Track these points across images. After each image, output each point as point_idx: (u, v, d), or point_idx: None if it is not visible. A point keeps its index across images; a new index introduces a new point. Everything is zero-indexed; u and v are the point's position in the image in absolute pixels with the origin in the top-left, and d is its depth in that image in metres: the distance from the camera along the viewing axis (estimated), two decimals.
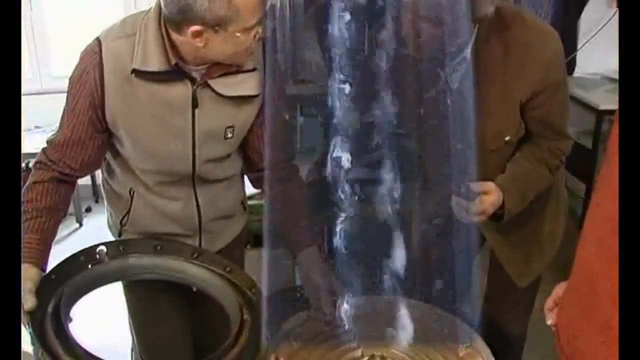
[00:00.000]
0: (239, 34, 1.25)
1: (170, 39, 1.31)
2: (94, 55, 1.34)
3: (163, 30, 1.31)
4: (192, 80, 1.36)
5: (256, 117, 1.47)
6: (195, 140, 1.41)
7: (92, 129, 1.38)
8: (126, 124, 1.37)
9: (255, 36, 1.29)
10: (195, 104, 1.38)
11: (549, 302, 1.16)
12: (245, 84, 1.41)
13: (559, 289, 1.13)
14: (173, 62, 1.31)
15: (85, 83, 1.34)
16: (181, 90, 1.36)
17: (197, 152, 1.43)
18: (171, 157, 1.43)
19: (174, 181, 1.48)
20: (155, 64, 1.31)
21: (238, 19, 1.23)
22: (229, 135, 1.44)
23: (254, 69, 1.41)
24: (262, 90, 1.43)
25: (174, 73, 1.33)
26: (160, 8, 1.30)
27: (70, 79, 1.37)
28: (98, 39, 1.36)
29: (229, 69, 1.38)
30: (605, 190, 0.89)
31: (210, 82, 1.37)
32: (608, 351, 0.86)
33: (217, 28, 1.23)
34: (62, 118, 1.41)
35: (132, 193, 1.50)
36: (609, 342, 0.86)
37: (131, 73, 1.32)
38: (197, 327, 1.71)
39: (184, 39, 1.27)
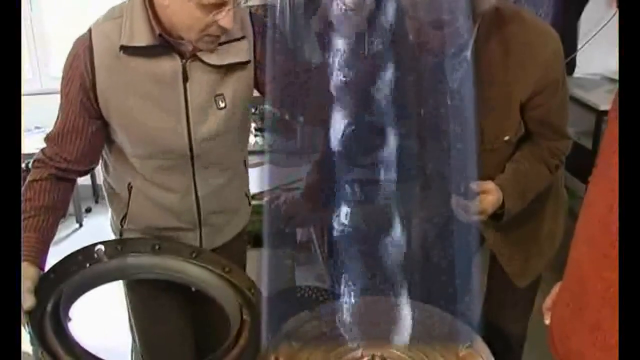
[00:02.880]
0: (193, 5, 1.25)
1: (154, 11, 1.32)
2: (84, 40, 1.36)
3: (147, 5, 1.32)
4: (181, 55, 1.37)
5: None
6: (189, 115, 1.41)
7: (85, 114, 1.38)
8: (118, 104, 1.38)
9: (216, 24, 1.28)
10: (185, 78, 1.38)
11: (548, 302, 1.16)
12: (234, 52, 1.41)
13: (558, 289, 1.13)
14: (157, 31, 1.32)
15: (77, 68, 1.35)
16: (170, 65, 1.37)
17: (192, 127, 1.42)
18: (166, 135, 1.42)
19: (172, 167, 1.46)
20: (142, 38, 1.32)
21: None
22: (221, 104, 1.43)
23: (242, 37, 1.42)
24: (253, 57, 1.44)
25: (162, 47, 1.34)
26: None
27: (63, 67, 1.39)
28: (89, 28, 1.38)
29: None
30: (596, 190, 0.90)
31: (199, 54, 1.38)
32: (599, 353, 0.86)
33: None
34: (58, 111, 1.42)
35: (130, 187, 1.49)
36: (599, 344, 0.86)
37: (120, 50, 1.33)
38: (198, 327, 1.71)
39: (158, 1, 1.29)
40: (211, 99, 1.42)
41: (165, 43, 1.34)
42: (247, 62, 1.43)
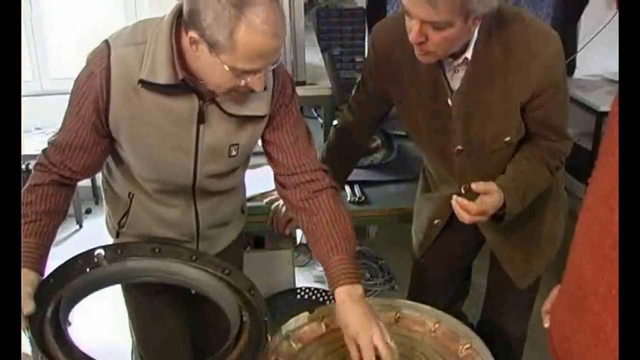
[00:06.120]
0: (228, 69, 1.22)
1: (180, 50, 1.29)
2: (102, 59, 1.31)
3: (174, 41, 1.28)
4: (200, 95, 1.34)
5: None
6: (198, 155, 1.40)
7: (95, 134, 1.36)
8: (129, 132, 1.36)
9: (245, 85, 1.26)
10: (201, 120, 1.36)
11: (547, 305, 1.16)
12: (253, 104, 1.39)
13: (557, 291, 1.13)
14: (180, 76, 1.29)
15: (92, 87, 1.32)
16: (188, 105, 1.34)
17: (198, 167, 1.42)
18: (172, 170, 1.42)
19: (174, 190, 1.47)
20: (163, 76, 1.29)
21: (232, 55, 1.20)
22: (233, 153, 1.43)
23: (263, 89, 1.37)
24: (270, 110, 1.42)
25: (182, 87, 1.31)
26: (173, 18, 1.28)
27: (76, 81, 1.35)
28: (107, 43, 1.33)
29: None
30: (594, 193, 0.89)
31: (217, 99, 1.35)
32: (600, 355, 0.86)
33: (211, 48, 1.21)
34: (65, 119, 1.38)
35: (131, 197, 1.49)
36: (600, 346, 0.86)
37: (138, 83, 1.30)
38: (197, 329, 1.71)
39: (187, 44, 1.26)
40: (225, 146, 1.41)
41: (185, 84, 1.32)
42: (264, 117, 1.42)
